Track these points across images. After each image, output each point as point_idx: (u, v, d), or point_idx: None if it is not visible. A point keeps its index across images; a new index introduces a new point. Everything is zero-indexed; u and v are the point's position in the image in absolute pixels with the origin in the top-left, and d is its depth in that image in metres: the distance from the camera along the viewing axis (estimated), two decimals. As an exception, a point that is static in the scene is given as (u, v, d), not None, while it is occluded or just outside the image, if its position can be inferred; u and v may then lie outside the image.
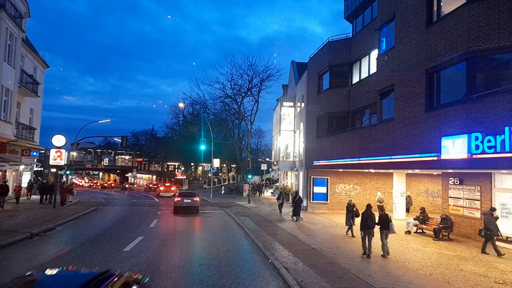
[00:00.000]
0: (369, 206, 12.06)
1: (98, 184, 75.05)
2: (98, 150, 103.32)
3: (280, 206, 22.78)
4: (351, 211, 15.45)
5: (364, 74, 20.61)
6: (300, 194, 23.11)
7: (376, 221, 11.78)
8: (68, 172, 34.61)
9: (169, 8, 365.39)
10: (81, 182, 75.30)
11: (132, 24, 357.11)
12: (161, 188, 43.98)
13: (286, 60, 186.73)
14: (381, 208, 21.12)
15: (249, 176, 37.62)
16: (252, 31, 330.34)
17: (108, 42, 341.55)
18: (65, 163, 25.69)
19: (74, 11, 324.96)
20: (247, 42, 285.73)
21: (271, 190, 44.66)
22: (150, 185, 59.28)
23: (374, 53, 18.83)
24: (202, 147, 42.80)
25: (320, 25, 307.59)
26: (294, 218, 19.76)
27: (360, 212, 12.66)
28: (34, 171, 35.83)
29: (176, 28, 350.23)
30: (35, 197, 28.89)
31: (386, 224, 11.63)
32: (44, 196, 26.46)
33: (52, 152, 23.18)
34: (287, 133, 33.41)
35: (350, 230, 15.50)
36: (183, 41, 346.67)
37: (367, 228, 11.65)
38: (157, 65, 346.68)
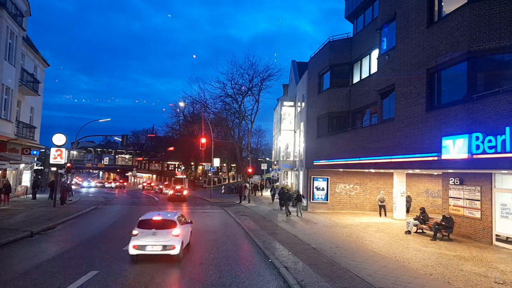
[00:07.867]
0: (284, 189, 24.44)
1: (113, 185, 65.25)
2: (98, 149, 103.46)
3: (273, 196, 31.19)
4: None
5: (365, 74, 20.60)
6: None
7: (294, 197, 21.95)
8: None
9: (156, 6, 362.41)
10: (81, 181, 74.43)
11: (120, 22, 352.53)
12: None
13: (279, 59, 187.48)
14: (382, 208, 21.63)
15: None
16: (242, 29, 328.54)
17: (98, 40, 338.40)
18: (65, 161, 25.67)
19: (61, 9, 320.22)
20: (238, 40, 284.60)
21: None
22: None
23: (375, 53, 18.82)
24: (203, 147, 42.74)
25: (310, 24, 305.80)
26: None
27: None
28: (34, 169, 35.83)
29: (165, 26, 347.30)
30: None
31: (300, 199, 21.52)
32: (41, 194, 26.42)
33: (53, 151, 23.15)
34: (288, 133, 33.40)
35: None
36: (174, 39, 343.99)
37: (284, 202, 21.93)
38: (149, 64, 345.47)
